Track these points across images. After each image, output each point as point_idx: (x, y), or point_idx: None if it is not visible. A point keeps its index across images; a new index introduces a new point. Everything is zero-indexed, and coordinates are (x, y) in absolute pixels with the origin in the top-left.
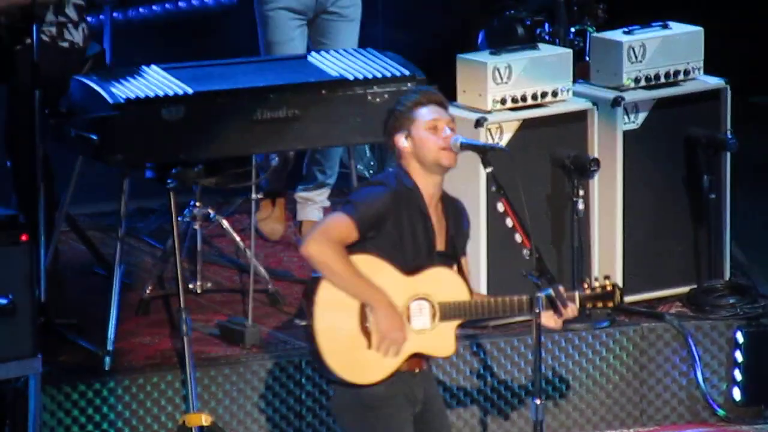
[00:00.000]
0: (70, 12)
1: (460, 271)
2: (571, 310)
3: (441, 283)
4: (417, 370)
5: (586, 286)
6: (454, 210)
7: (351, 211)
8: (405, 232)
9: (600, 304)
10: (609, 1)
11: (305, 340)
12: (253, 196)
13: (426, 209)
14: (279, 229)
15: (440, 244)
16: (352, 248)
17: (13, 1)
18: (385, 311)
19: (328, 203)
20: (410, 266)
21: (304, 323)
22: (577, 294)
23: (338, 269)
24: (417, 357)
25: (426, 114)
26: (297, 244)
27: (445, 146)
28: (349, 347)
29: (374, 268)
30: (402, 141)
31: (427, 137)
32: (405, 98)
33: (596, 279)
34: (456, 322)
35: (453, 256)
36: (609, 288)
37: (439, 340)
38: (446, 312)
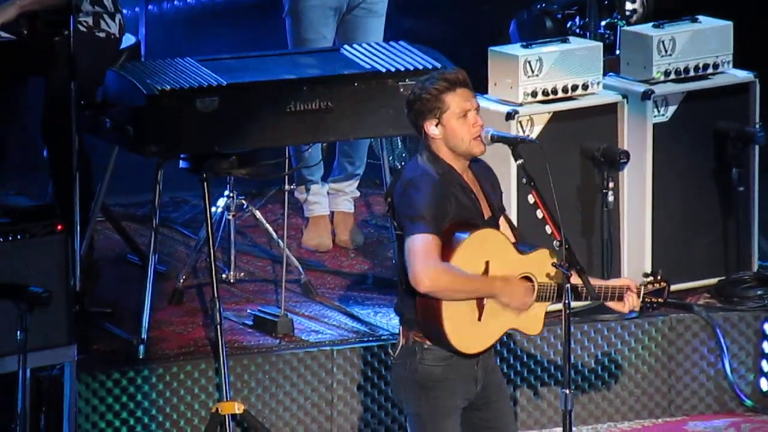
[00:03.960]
0: (107, 1)
1: (511, 227)
2: (631, 302)
3: (543, 264)
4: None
5: (647, 281)
6: (482, 172)
7: (423, 227)
8: (459, 212)
9: (654, 300)
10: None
11: (420, 307)
12: (286, 187)
13: (465, 183)
14: (326, 242)
15: (486, 211)
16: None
17: (50, 1)
18: (508, 293)
19: (357, 193)
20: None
21: None
22: (642, 288)
23: (458, 287)
24: None
25: (455, 102)
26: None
27: (477, 135)
28: (464, 318)
29: (496, 241)
30: (432, 129)
31: (459, 127)
32: (429, 83)
33: (651, 275)
34: (547, 303)
35: (497, 217)
36: (662, 283)
37: (531, 318)
38: (544, 293)
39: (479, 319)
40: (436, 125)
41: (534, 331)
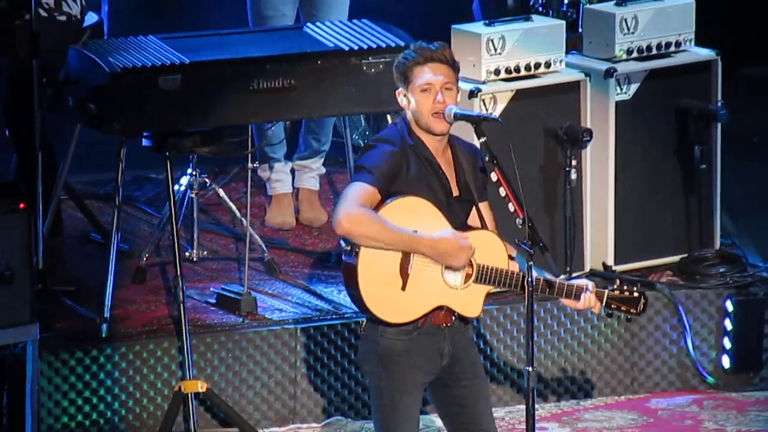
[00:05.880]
0: None
1: (480, 217)
2: (587, 301)
3: (486, 246)
4: (444, 325)
5: (615, 286)
6: (464, 154)
7: (366, 177)
8: (420, 184)
9: (623, 308)
10: None
11: (343, 270)
12: (249, 165)
13: (434, 158)
14: (289, 220)
15: (455, 190)
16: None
17: None
18: (439, 249)
19: (323, 170)
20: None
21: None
22: (606, 291)
23: (377, 233)
24: (444, 311)
25: (420, 75)
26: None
27: (436, 111)
28: (384, 284)
29: (426, 209)
30: (402, 98)
31: (421, 101)
32: (408, 53)
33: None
34: (488, 287)
35: (470, 200)
36: (636, 294)
37: (468, 299)
38: (483, 275)
39: (403, 288)
40: (404, 95)
41: (472, 314)
